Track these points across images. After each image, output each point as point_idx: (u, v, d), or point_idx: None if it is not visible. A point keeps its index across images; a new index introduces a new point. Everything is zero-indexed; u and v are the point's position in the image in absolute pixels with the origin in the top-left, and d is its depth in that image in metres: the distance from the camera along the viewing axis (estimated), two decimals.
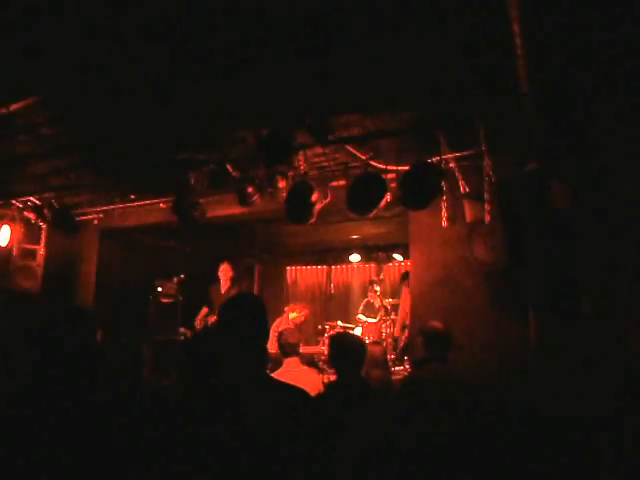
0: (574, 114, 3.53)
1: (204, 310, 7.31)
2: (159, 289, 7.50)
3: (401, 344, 6.65)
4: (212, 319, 6.93)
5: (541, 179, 3.87)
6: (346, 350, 2.91)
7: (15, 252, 6.71)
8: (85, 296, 7.25)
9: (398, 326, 6.88)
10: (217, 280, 7.25)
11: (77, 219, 6.83)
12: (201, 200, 5.33)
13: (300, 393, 1.95)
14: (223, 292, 7.06)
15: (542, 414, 3.63)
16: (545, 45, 2.81)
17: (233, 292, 6.88)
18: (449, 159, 4.20)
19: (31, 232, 6.81)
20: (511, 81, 3.02)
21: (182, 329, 7.46)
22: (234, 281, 7.26)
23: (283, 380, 2.03)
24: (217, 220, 6.11)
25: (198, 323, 7.24)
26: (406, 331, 6.56)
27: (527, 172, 3.96)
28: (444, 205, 4.22)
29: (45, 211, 6.29)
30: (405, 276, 6.96)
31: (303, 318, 6.97)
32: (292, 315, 6.94)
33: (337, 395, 2.80)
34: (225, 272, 7.26)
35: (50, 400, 1.88)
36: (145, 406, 2.19)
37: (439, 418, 2.90)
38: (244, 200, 4.86)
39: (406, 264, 8.73)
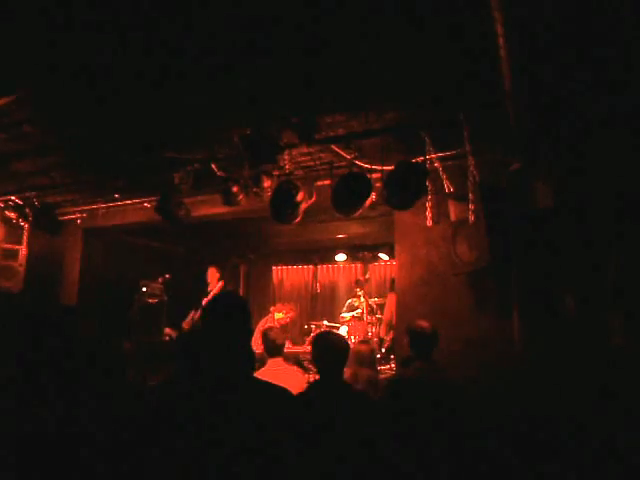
0: (558, 114, 3.56)
1: (192, 313, 7.29)
2: (144, 289, 7.44)
3: (386, 345, 6.67)
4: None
5: (524, 179, 3.90)
6: (328, 349, 2.91)
7: None
8: (68, 296, 7.18)
9: (384, 327, 6.90)
10: (206, 283, 7.25)
11: (60, 219, 6.76)
12: (186, 200, 5.30)
13: (282, 392, 1.95)
14: (213, 295, 7.04)
15: (527, 412, 3.66)
16: (529, 45, 2.84)
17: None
18: (433, 159, 4.23)
19: (13, 232, 6.72)
20: (495, 81, 3.04)
21: (167, 330, 7.41)
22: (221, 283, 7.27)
23: (267, 379, 2.03)
24: (202, 220, 6.09)
25: (187, 324, 7.21)
26: (391, 332, 6.59)
27: (511, 172, 3.99)
28: (429, 205, 4.24)
29: (27, 210, 6.22)
30: (394, 282, 6.99)
31: (289, 320, 6.96)
32: (278, 315, 6.93)
33: (318, 394, 2.79)
34: (212, 275, 7.27)
35: (34, 398, 1.86)
36: (130, 406, 2.17)
37: (424, 417, 2.91)
38: (229, 200, 4.84)
39: (392, 263, 8.76)
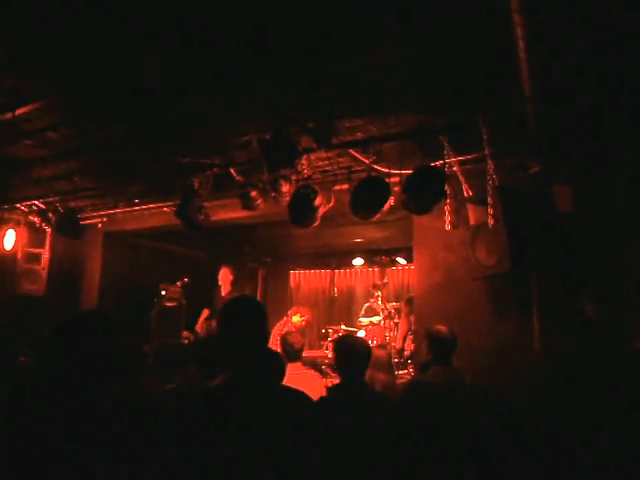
0: (578, 117, 3.53)
1: (205, 313, 7.32)
2: (163, 293, 7.50)
3: (407, 353, 6.63)
4: (214, 323, 6.93)
5: (544, 183, 3.86)
6: (350, 353, 2.91)
7: (20, 256, 6.75)
8: (89, 299, 7.29)
9: (400, 338, 6.85)
10: (218, 284, 7.26)
11: (81, 223, 6.87)
12: (205, 204, 5.34)
13: (302, 397, 1.95)
14: (224, 296, 7.07)
15: (546, 418, 3.61)
16: (549, 48, 2.82)
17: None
18: (452, 163, 4.20)
19: (36, 236, 6.85)
20: (514, 84, 3.03)
21: (186, 333, 7.46)
22: (234, 285, 7.26)
23: (285, 384, 2.04)
24: (221, 224, 6.13)
25: (199, 327, 7.25)
26: (409, 339, 6.55)
27: (530, 176, 3.96)
28: (447, 209, 4.22)
29: (50, 215, 6.33)
30: (409, 303, 6.94)
31: (304, 323, 6.95)
32: (295, 319, 6.92)
33: (340, 398, 2.80)
34: (225, 276, 7.25)
35: (59, 399, 1.89)
36: (147, 410, 2.19)
37: (443, 422, 2.89)
38: (248, 204, 4.87)
39: (410, 268, 8.72)
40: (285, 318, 7.00)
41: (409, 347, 6.53)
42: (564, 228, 3.79)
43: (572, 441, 3.31)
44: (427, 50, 3.09)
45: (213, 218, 5.59)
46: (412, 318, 5.88)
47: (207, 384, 2.64)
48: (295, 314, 6.97)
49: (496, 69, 3.16)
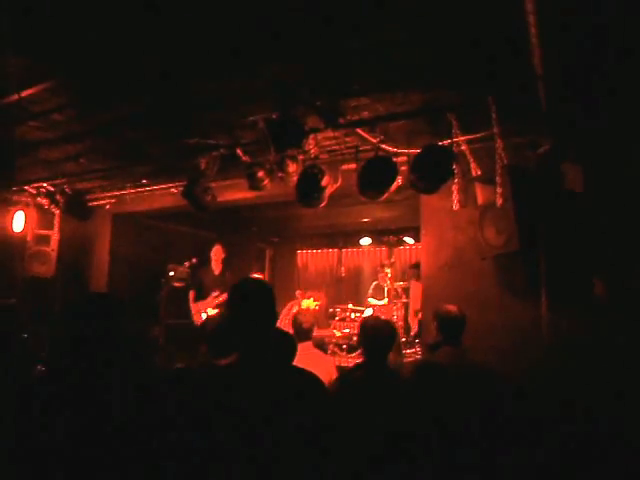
0: (589, 96, 3.47)
1: (214, 293, 7.35)
2: (171, 273, 7.55)
3: (413, 331, 6.66)
4: (199, 306, 6.95)
5: (554, 161, 3.82)
6: (376, 335, 2.95)
7: (29, 238, 6.80)
8: (98, 280, 7.36)
9: (411, 312, 6.88)
10: (209, 262, 7.25)
11: (89, 204, 6.90)
12: (212, 185, 5.34)
13: (311, 377, 1.97)
14: (217, 274, 7.06)
15: (555, 398, 3.63)
16: (560, 25, 2.76)
17: (227, 274, 6.94)
18: (461, 142, 4.16)
19: (45, 218, 6.89)
20: (525, 62, 2.98)
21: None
22: (226, 262, 7.25)
23: (295, 364, 2.05)
24: (228, 204, 6.13)
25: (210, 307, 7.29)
26: (419, 315, 6.56)
27: (540, 154, 3.91)
28: (455, 188, 4.19)
29: (58, 197, 6.36)
30: (414, 267, 6.95)
31: (318, 307, 6.98)
32: (308, 303, 6.94)
33: (365, 378, 2.84)
34: (217, 254, 7.23)
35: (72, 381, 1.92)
36: (158, 389, 2.22)
37: (454, 402, 2.92)
38: (255, 184, 4.86)
39: (417, 247, 8.71)
40: (295, 300, 7.04)
41: (414, 326, 6.56)
42: (573, 207, 3.76)
43: (576, 422, 3.34)
44: (436, 27, 3.04)
45: (220, 199, 5.58)
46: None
47: (216, 364, 2.68)
48: (308, 298, 6.99)
49: (507, 46, 3.10)
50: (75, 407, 1.83)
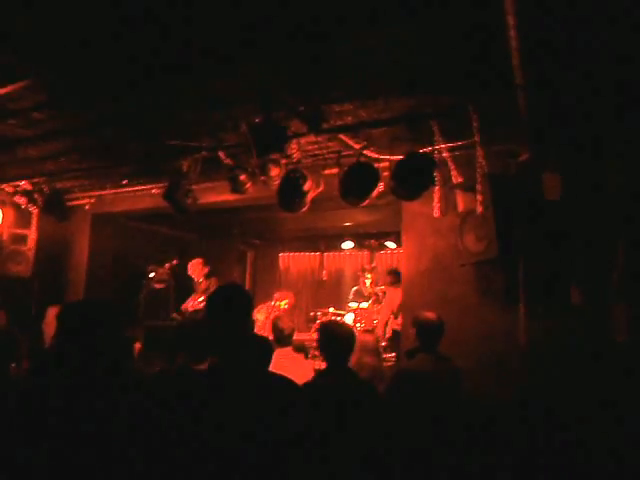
0: (569, 105, 3.53)
1: (193, 297, 7.32)
2: (151, 274, 7.49)
3: (387, 335, 6.63)
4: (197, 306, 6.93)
5: (533, 170, 3.88)
6: (335, 338, 2.94)
7: (5, 237, 6.68)
8: (76, 280, 7.25)
9: (381, 323, 6.85)
10: (188, 278, 7.21)
11: (68, 204, 6.80)
12: (194, 186, 5.31)
13: (287, 382, 1.98)
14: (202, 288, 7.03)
15: (532, 403, 3.68)
16: (540, 36, 2.80)
17: (212, 285, 6.90)
18: (442, 149, 4.20)
19: (22, 217, 6.77)
20: (505, 71, 3.02)
21: (174, 314, 7.47)
22: (209, 275, 7.19)
23: (275, 369, 2.06)
24: (210, 206, 6.10)
25: (187, 309, 7.26)
26: (389, 325, 6.56)
27: (519, 163, 3.97)
28: (436, 195, 4.23)
29: (36, 196, 6.26)
30: (390, 273, 6.96)
31: (288, 306, 6.96)
32: (280, 304, 6.92)
33: (326, 383, 2.83)
34: (196, 269, 7.17)
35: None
36: (134, 395, 2.20)
37: (430, 408, 2.94)
38: (237, 188, 4.84)
39: (399, 252, 8.76)
40: (271, 302, 7.00)
41: (389, 330, 6.55)
42: (552, 215, 3.82)
43: (553, 426, 3.38)
44: (418, 34, 3.06)
45: (202, 201, 5.56)
46: (399, 290, 5.84)
47: (193, 368, 2.66)
48: (280, 300, 6.98)
49: (487, 55, 3.14)
50: (56, 409, 1.81)
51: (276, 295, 7.20)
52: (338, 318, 7.54)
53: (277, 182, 4.55)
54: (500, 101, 3.48)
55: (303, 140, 4.53)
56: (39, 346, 3.95)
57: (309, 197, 4.48)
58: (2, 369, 2.83)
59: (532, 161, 3.91)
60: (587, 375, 3.50)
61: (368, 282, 7.76)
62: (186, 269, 7.41)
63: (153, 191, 6.10)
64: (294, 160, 4.62)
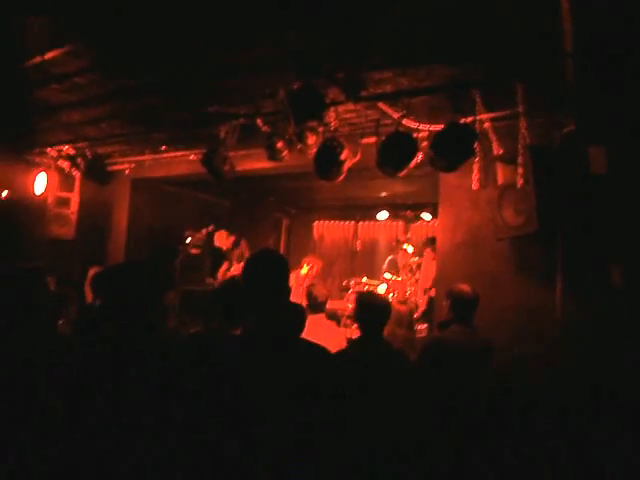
0: (619, 77, 3.36)
1: (225, 264, 7.46)
2: (188, 240, 7.63)
3: (421, 308, 6.61)
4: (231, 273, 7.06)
5: (579, 142, 3.74)
6: (371, 309, 2.96)
7: (50, 200, 6.90)
8: (117, 243, 7.47)
9: (420, 290, 6.83)
10: (215, 249, 7.33)
11: (109, 169, 6.95)
12: (231, 153, 5.34)
13: (319, 350, 2.00)
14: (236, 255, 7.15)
15: (565, 380, 3.64)
16: (592, 2, 2.67)
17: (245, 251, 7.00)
18: (484, 119, 4.08)
19: (65, 181, 6.97)
20: (554, 39, 2.89)
21: (209, 279, 7.63)
22: (237, 244, 7.31)
23: (308, 336, 2.09)
24: (246, 173, 6.13)
25: (220, 276, 7.40)
26: (427, 294, 6.53)
27: (564, 135, 3.83)
28: (476, 167, 4.13)
29: (79, 160, 6.41)
30: (430, 241, 6.88)
31: (313, 272, 6.93)
32: (304, 271, 6.91)
33: (359, 352, 2.86)
34: (222, 240, 7.29)
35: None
36: (171, 353, 2.27)
37: (462, 379, 2.94)
38: (273, 155, 4.84)
39: (434, 224, 8.65)
40: (299, 270, 7.03)
41: (424, 302, 6.51)
42: (596, 190, 3.69)
43: (588, 404, 3.35)
44: (463, 1, 2.95)
45: (238, 168, 5.58)
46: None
47: (228, 331, 2.72)
48: (307, 264, 6.98)
49: (536, 21, 3.01)
50: (89, 371, 1.89)
51: (305, 260, 7.20)
52: (371, 288, 7.55)
53: (314, 150, 4.53)
54: (547, 70, 3.35)
55: (341, 108, 4.47)
56: (83, 306, 4.11)
57: (346, 166, 4.45)
58: (50, 326, 2.95)
59: (578, 133, 3.76)
60: (624, 356, 3.43)
61: (407, 254, 7.66)
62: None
63: (191, 157, 6.16)
64: (331, 128, 4.58)
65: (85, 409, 1.88)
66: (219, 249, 7.61)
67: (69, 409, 1.89)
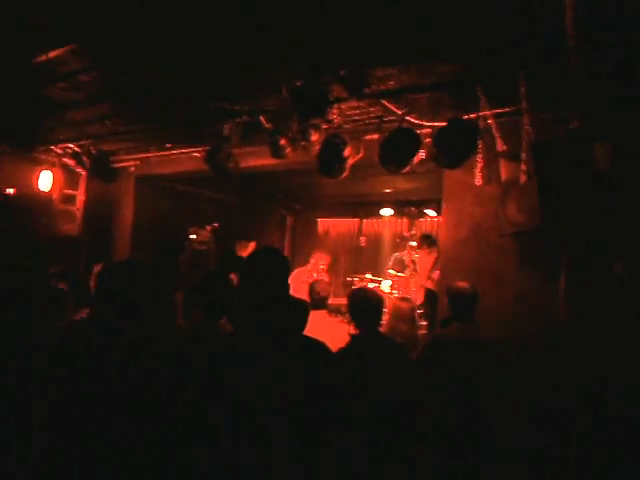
0: (622, 72, 3.35)
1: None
2: (193, 236, 7.66)
3: (418, 303, 6.57)
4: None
5: (582, 139, 3.73)
6: (362, 305, 2.96)
7: (55, 197, 6.94)
8: (122, 240, 7.50)
9: (417, 287, 6.79)
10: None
11: (114, 166, 6.98)
12: (235, 150, 5.35)
13: (320, 346, 2.01)
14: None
15: (569, 375, 3.64)
16: None
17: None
18: (487, 116, 4.08)
19: (71, 178, 7.02)
20: (557, 34, 2.88)
21: None
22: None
23: (309, 332, 2.10)
24: (250, 170, 6.14)
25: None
26: (422, 289, 6.51)
27: (568, 131, 3.82)
28: (479, 163, 4.13)
29: (84, 158, 6.44)
30: (424, 238, 6.88)
31: (323, 268, 6.93)
32: (311, 266, 6.92)
33: (359, 348, 2.88)
34: (243, 250, 7.29)
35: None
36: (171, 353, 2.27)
37: (461, 377, 2.95)
38: (277, 152, 4.85)
39: (439, 220, 8.63)
40: (308, 265, 7.04)
41: (421, 297, 6.49)
42: (599, 186, 3.68)
43: (591, 397, 3.35)
44: None
45: (242, 165, 5.60)
46: (431, 255, 5.80)
47: (210, 327, 2.72)
48: (319, 261, 6.99)
49: (539, 17, 3.00)
50: (97, 368, 1.91)
51: (312, 258, 7.20)
52: (375, 285, 7.54)
53: (317, 147, 4.54)
54: (551, 65, 3.34)
55: (344, 105, 4.48)
56: (85, 303, 4.14)
57: (349, 163, 4.46)
58: (48, 324, 2.97)
59: (582, 130, 3.75)
60: (629, 350, 3.43)
61: (413, 251, 7.61)
62: (226, 232, 7.55)
63: (195, 154, 6.18)
64: (335, 125, 4.59)
65: (84, 409, 1.90)
66: (223, 245, 7.63)
67: (66, 408, 1.90)
